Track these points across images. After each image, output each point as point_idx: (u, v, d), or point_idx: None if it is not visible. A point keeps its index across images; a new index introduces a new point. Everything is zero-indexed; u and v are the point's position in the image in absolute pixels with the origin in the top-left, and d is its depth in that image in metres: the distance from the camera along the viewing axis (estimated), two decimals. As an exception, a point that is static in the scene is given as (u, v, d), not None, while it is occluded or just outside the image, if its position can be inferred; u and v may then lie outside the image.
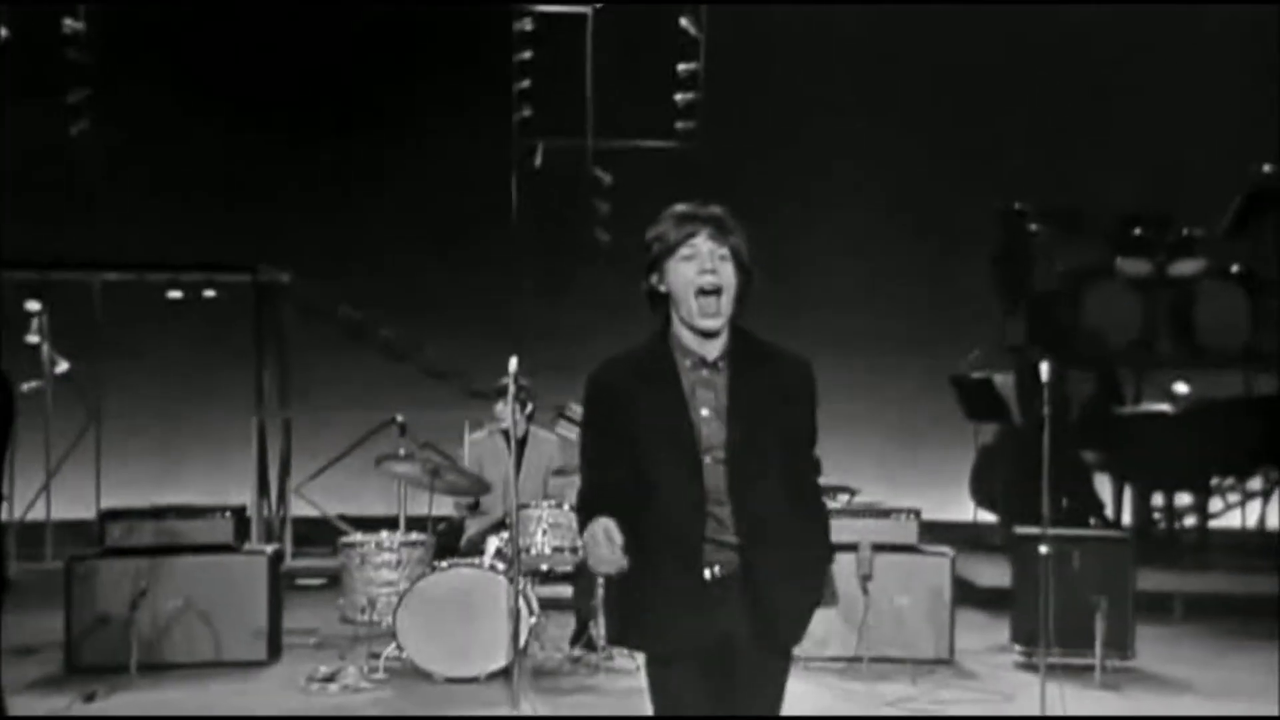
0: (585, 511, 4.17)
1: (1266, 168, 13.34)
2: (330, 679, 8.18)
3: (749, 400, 4.13)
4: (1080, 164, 13.68)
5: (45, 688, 7.68)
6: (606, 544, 4.01)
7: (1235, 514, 13.44)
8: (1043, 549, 7.67)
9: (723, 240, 4.14)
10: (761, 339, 4.23)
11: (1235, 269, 13.39)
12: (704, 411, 4.12)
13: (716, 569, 4.09)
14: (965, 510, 12.98)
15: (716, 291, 4.10)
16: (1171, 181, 13.42)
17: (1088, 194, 13.43)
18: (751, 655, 4.16)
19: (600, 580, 6.54)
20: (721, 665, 4.15)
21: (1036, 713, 6.99)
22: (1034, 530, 8.11)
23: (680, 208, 4.22)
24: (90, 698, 7.67)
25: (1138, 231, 13.38)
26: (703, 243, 4.13)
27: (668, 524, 4.09)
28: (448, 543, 9.23)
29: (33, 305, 11.64)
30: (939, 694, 8.14)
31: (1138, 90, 13.69)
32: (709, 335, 4.15)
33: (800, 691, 7.79)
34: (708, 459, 4.10)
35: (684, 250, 4.13)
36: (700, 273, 4.10)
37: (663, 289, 4.16)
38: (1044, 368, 7.60)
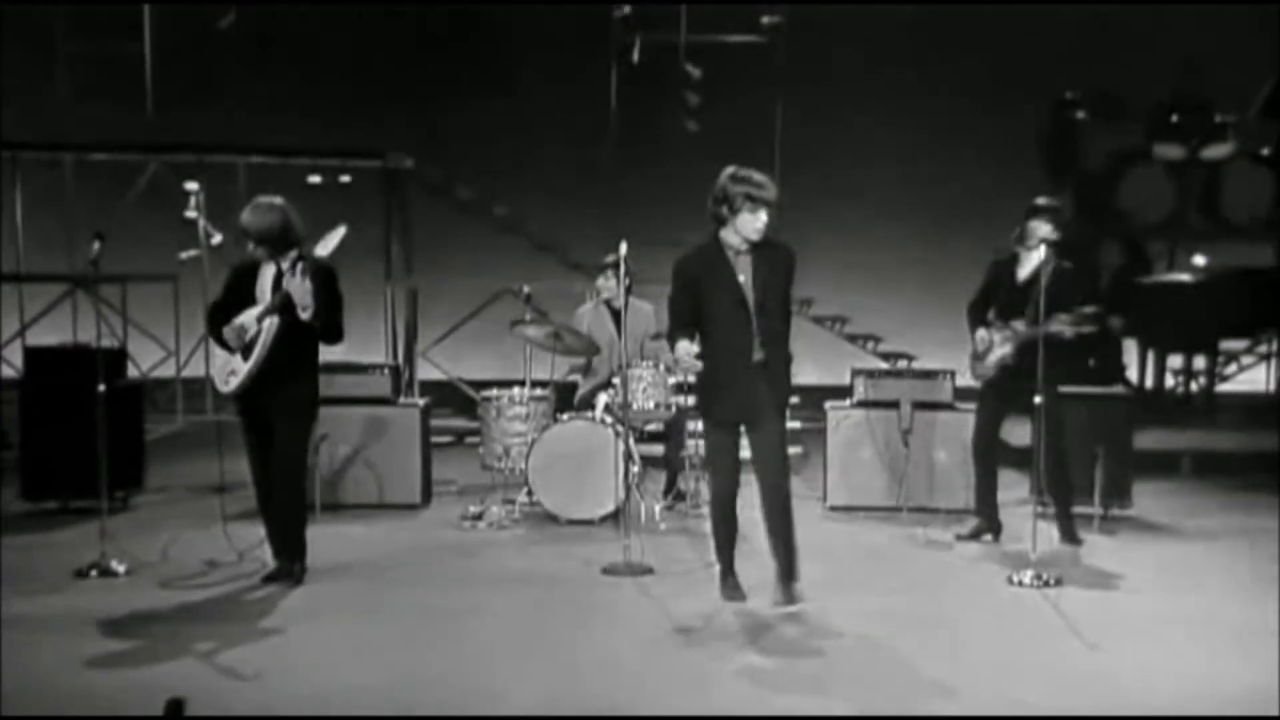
0: (673, 338, 7.45)
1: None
2: (479, 517, 9.93)
3: (763, 271, 7.42)
4: (1117, 57, 14.78)
5: (249, 519, 8.94)
6: (687, 356, 7.36)
7: (1249, 378, 14.85)
8: (1037, 399, 8.53)
9: (771, 210, 7.35)
10: (769, 237, 7.44)
11: (1265, 151, 14.71)
12: (741, 277, 7.41)
13: (754, 358, 7.38)
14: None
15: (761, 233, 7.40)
16: (1206, 70, 14.50)
17: (1127, 84, 14.67)
18: (767, 414, 7.49)
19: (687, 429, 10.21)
20: (749, 424, 7.55)
21: (1031, 548, 8.32)
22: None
23: (758, 184, 7.37)
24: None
25: (1174, 118, 14.70)
26: (764, 211, 7.37)
27: (728, 339, 7.42)
28: (564, 400, 10.75)
29: (190, 185, 12.96)
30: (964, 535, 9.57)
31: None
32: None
33: (849, 533, 9.63)
34: (746, 301, 7.39)
35: (755, 210, 7.36)
36: (758, 227, 7.39)
37: (727, 216, 7.38)
38: (1041, 249, 8.56)
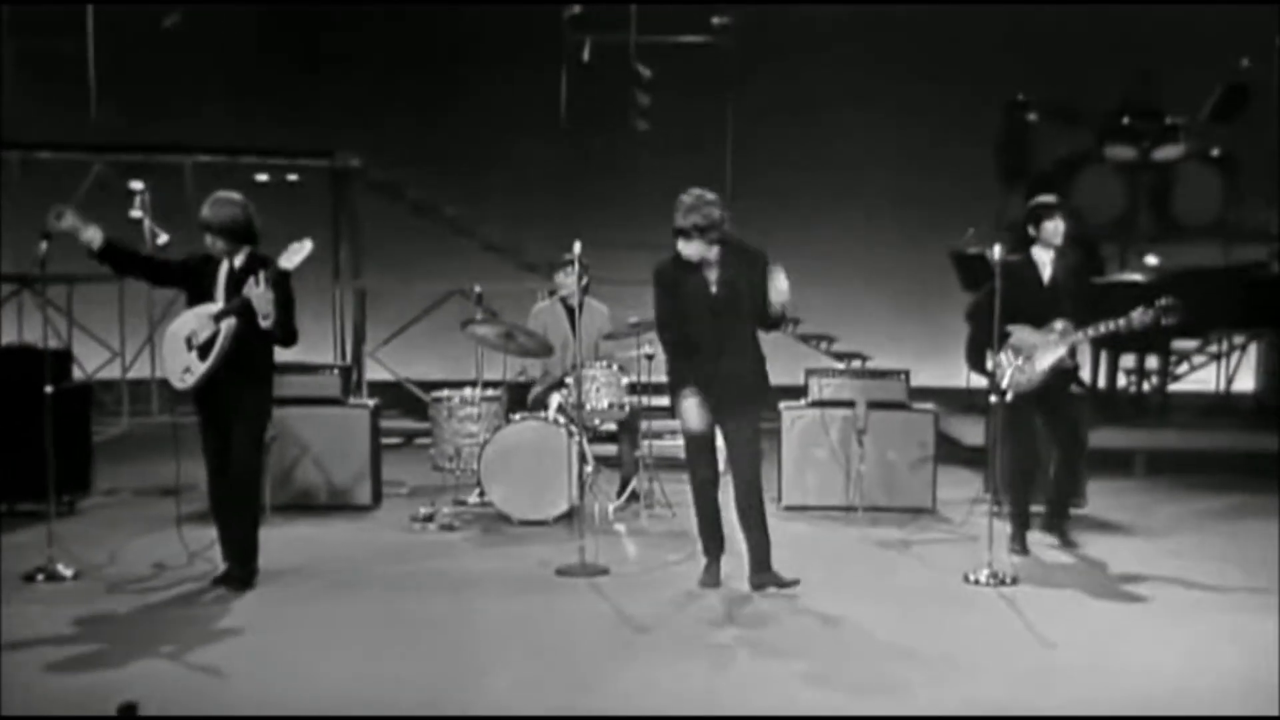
0: (666, 343, 7.95)
1: (1244, 62, 14.74)
2: (429, 519, 9.82)
3: (729, 279, 7.76)
4: (1071, 60, 14.87)
5: (200, 522, 8.89)
6: (698, 415, 7.77)
7: (1200, 377, 14.94)
8: (993, 399, 8.73)
9: (697, 237, 7.68)
10: (739, 244, 7.81)
11: (1215, 153, 14.82)
12: (713, 287, 7.76)
13: (721, 365, 7.73)
14: (961, 377, 14.31)
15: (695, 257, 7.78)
16: (1157, 76, 14.62)
17: (1078, 88, 14.75)
18: (738, 413, 7.87)
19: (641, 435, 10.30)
20: (722, 423, 7.92)
21: (988, 548, 8.29)
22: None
23: (680, 212, 7.67)
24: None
25: (1126, 121, 14.79)
26: (682, 240, 7.73)
27: (698, 342, 7.78)
28: (516, 400, 10.65)
29: (135, 184, 12.79)
30: (920, 535, 9.60)
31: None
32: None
33: (804, 533, 9.61)
34: (712, 307, 7.74)
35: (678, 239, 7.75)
36: (688, 253, 7.75)
37: None
38: (996, 249, 8.40)
